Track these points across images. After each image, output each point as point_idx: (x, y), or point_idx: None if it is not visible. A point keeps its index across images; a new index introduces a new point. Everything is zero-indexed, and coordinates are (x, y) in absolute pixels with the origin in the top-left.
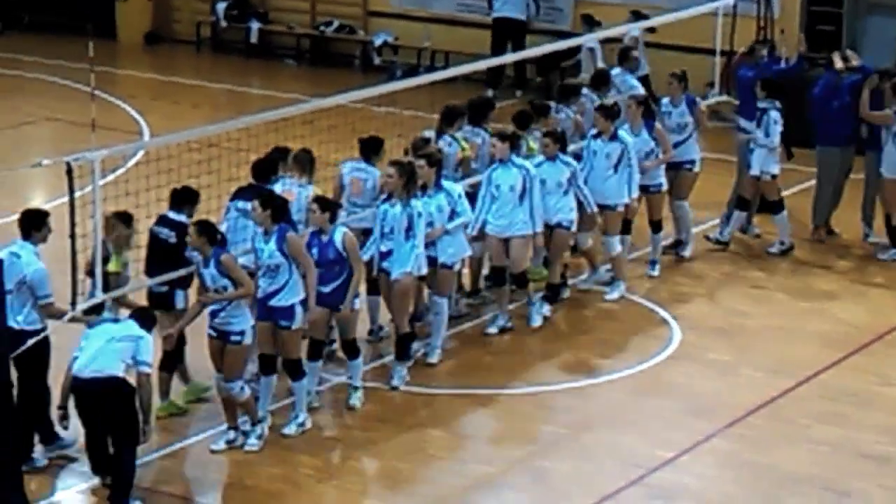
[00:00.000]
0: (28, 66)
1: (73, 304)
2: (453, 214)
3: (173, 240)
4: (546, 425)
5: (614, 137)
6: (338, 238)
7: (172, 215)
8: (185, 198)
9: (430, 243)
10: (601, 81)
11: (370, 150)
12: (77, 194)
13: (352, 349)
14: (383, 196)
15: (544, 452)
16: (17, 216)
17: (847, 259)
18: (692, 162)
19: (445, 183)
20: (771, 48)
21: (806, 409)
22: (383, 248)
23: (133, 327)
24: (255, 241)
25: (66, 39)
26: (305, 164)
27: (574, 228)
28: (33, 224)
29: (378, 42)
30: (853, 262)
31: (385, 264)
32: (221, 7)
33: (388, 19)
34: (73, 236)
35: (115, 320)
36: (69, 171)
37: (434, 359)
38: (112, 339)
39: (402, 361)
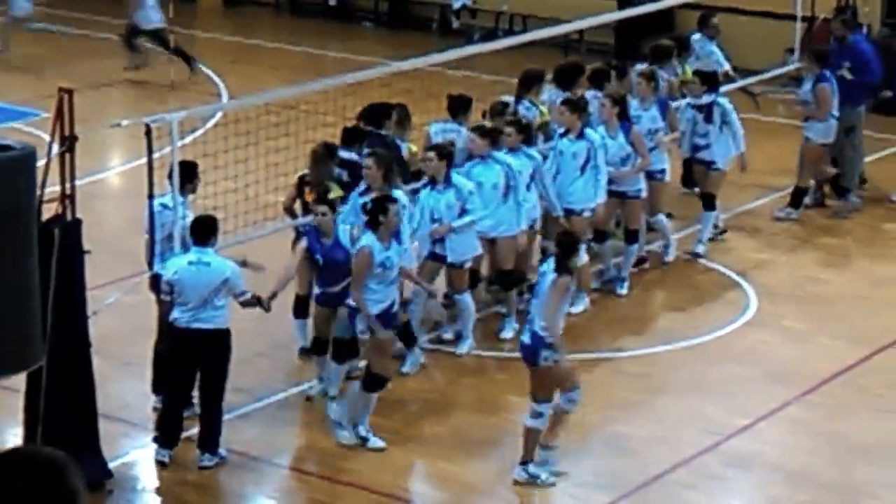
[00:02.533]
0: (109, 28)
1: (150, 264)
2: (463, 212)
3: (345, 178)
4: (622, 391)
5: (581, 136)
6: (343, 237)
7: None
8: (353, 136)
9: (438, 240)
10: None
11: (458, 108)
12: (155, 155)
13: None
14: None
15: (620, 418)
16: (99, 176)
17: None
18: (662, 171)
19: (456, 178)
20: (853, 16)
21: (882, 379)
22: None
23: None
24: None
25: None
26: (405, 120)
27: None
28: (184, 176)
29: (456, 5)
30: None
31: None
32: None
33: None
34: (150, 196)
35: None
36: (148, 133)
37: (464, 349)
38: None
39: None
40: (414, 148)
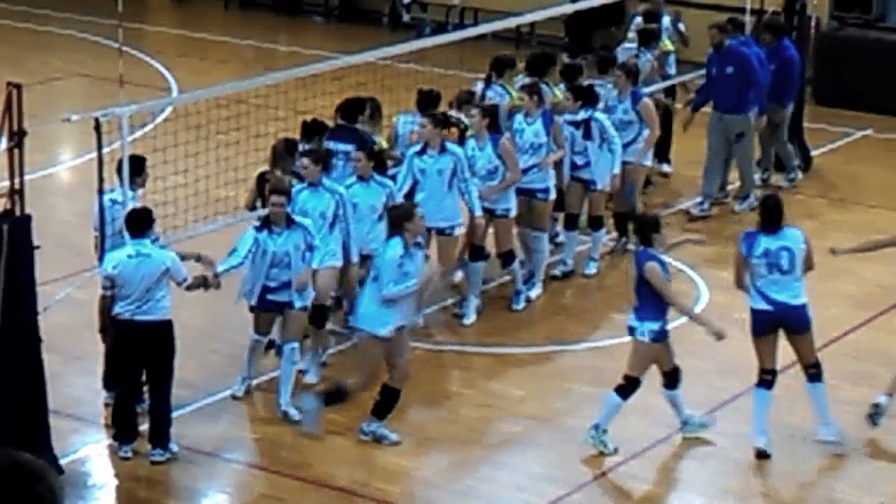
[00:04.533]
0: (58, 22)
1: (101, 259)
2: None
3: None
4: (573, 384)
5: (444, 150)
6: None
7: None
8: (313, 130)
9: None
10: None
11: (427, 103)
12: (105, 150)
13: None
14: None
15: (571, 411)
16: (49, 171)
17: (873, 217)
18: (546, 190)
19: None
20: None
21: (834, 370)
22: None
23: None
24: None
25: None
26: (375, 114)
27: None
28: (133, 170)
29: None
30: (879, 220)
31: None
32: None
33: None
34: (101, 191)
35: None
36: (97, 127)
37: (469, 320)
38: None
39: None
40: (384, 143)
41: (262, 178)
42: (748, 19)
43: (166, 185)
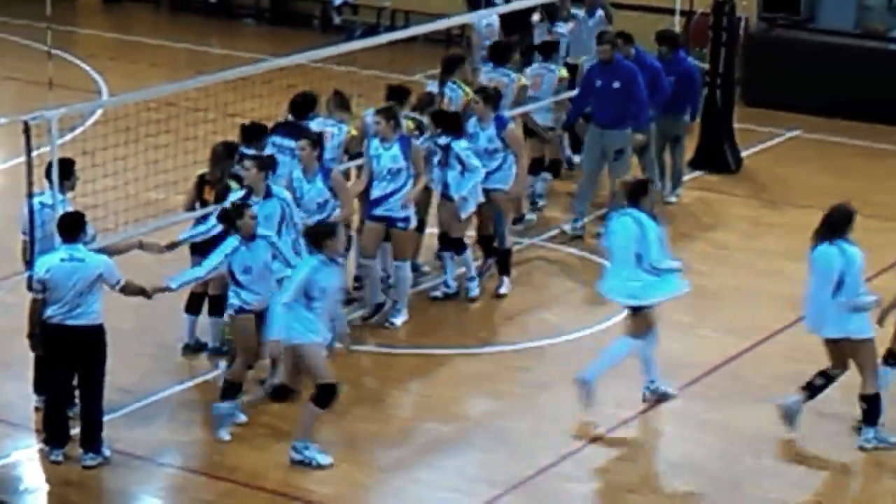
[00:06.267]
0: None
1: (29, 263)
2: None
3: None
4: (506, 385)
5: (269, 195)
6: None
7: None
8: (253, 133)
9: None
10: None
11: (396, 98)
12: (34, 153)
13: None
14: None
15: (504, 412)
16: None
17: (805, 218)
18: (406, 219)
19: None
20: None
21: (764, 370)
22: None
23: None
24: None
25: None
26: (346, 104)
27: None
28: (62, 173)
29: (337, 2)
30: (811, 221)
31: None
32: None
33: None
34: (30, 195)
35: None
36: (26, 130)
37: (398, 320)
38: None
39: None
40: (354, 131)
41: (201, 180)
42: (678, 20)
43: (96, 188)
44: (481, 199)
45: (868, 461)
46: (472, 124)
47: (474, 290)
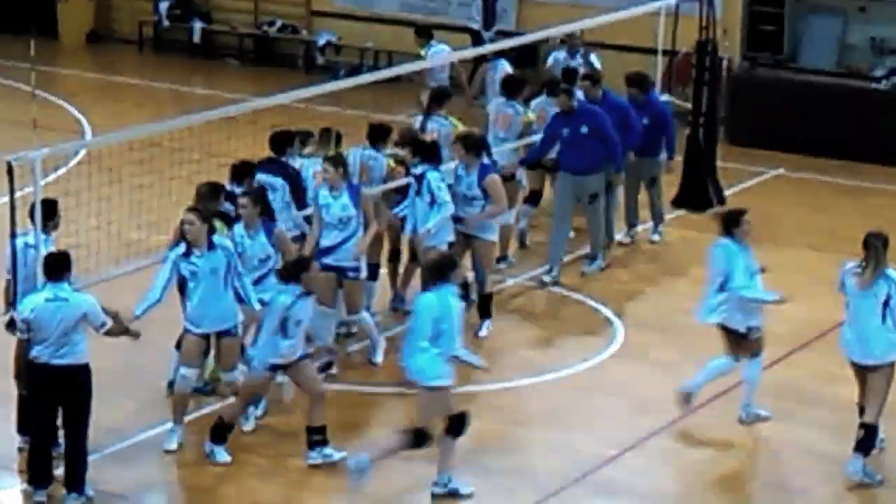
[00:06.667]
0: None
1: (12, 304)
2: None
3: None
4: (490, 423)
5: (212, 247)
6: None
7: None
8: (242, 172)
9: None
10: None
11: (378, 136)
12: (17, 194)
13: None
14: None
15: (488, 451)
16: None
17: (789, 256)
18: (356, 269)
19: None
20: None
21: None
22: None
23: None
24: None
25: (7, 39)
26: (332, 140)
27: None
28: (45, 214)
29: (321, 42)
30: (795, 259)
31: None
32: (164, 6)
33: (331, 19)
34: (13, 235)
35: None
36: (10, 171)
37: (378, 358)
38: None
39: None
40: None
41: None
42: (660, 60)
43: (79, 228)
44: (451, 238)
45: (853, 497)
46: (459, 167)
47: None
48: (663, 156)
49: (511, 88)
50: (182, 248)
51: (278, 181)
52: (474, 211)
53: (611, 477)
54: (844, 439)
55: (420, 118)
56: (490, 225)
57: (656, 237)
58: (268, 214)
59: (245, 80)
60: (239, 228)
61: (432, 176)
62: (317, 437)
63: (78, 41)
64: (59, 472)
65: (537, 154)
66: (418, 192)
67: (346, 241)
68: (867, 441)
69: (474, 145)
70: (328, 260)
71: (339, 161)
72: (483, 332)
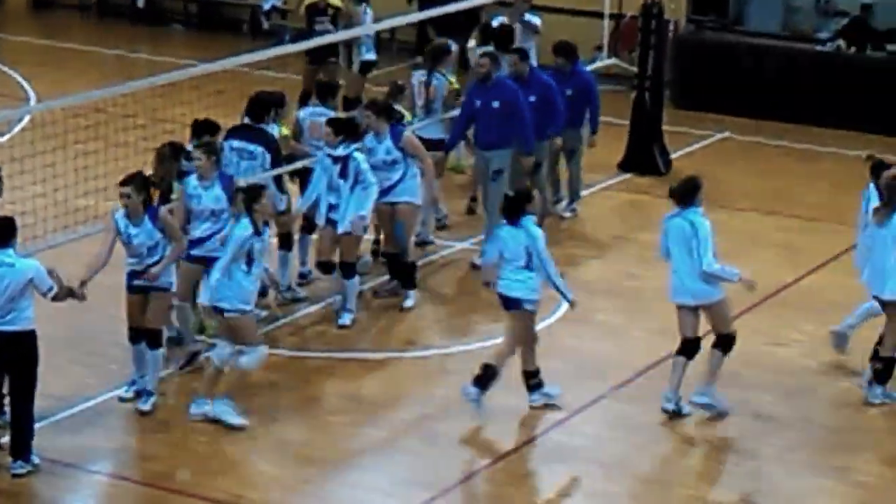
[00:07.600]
0: None
1: None
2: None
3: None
4: (439, 388)
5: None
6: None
7: None
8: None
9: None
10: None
11: (326, 93)
12: None
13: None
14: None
15: (438, 415)
16: None
17: (736, 219)
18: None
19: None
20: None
21: (696, 370)
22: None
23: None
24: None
25: None
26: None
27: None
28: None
29: (266, 7)
30: (741, 222)
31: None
32: None
33: None
34: None
35: None
36: None
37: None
38: None
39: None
40: (286, 131)
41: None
42: (606, 23)
43: (24, 195)
44: (364, 212)
45: (798, 462)
46: (368, 139)
47: (346, 319)
48: (586, 130)
49: (435, 57)
50: (249, 227)
51: (258, 149)
52: (395, 176)
53: (560, 440)
54: (791, 402)
55: (422, 73)
56: (413, 188)
57: (568, 213)
58: (164, 199)
59: (190, 46)
60: (193, 180)
61: (360, 157)
62: (533, 380)
63: (22, 6)
64: (4, 440)
65: (458, 131)
66: (342, 175)
67: (217, 233)
68: (886, 372)
69: (384, 109)
70: (197, 251)
71: (212, 149)
72: (409, 303)
